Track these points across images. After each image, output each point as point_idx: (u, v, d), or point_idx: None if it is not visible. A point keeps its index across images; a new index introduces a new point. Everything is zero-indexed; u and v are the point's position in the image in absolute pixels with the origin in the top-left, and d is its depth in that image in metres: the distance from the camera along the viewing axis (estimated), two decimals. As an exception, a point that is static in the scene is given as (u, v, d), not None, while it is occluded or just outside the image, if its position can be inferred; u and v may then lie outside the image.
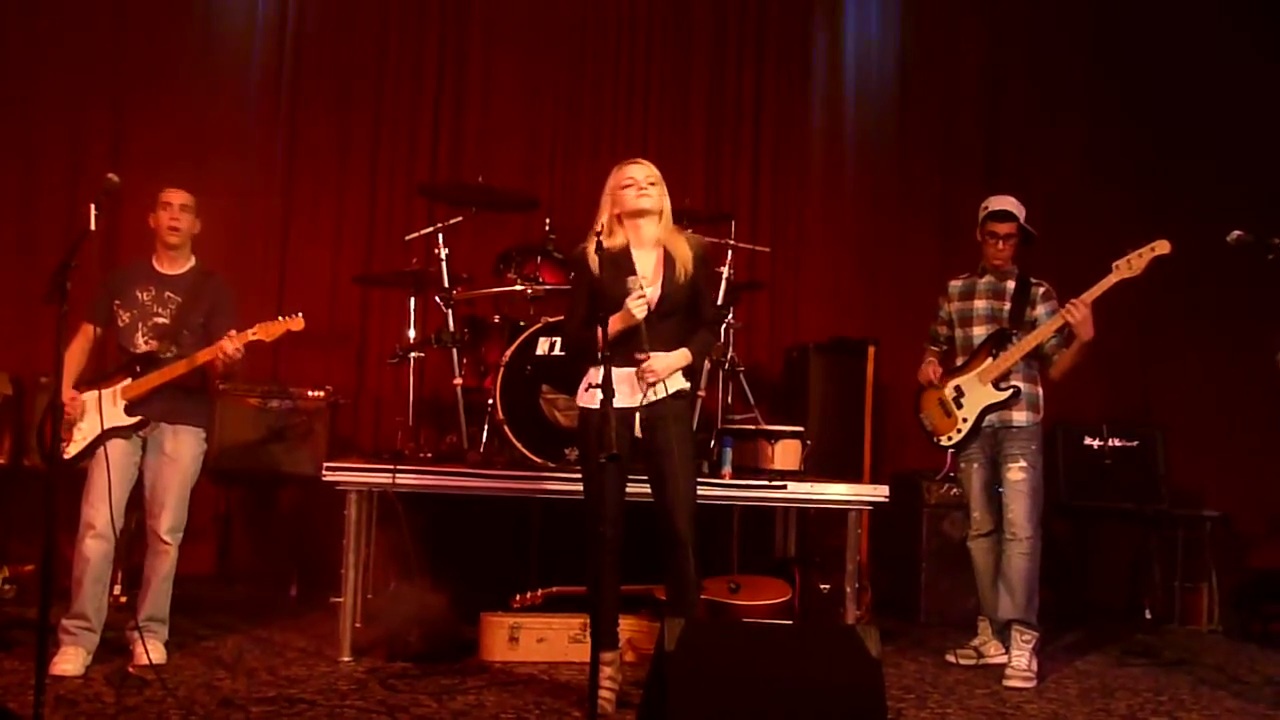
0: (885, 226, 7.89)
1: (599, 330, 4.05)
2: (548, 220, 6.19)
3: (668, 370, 4.25)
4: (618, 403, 4.05)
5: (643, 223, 4.36)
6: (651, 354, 4.19)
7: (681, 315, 4.35)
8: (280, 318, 4.82)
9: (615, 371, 4.01)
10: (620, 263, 4.31)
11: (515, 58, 7.59)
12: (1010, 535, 5.21)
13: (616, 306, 4.20)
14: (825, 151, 7.93)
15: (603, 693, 4.28)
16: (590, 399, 4.22)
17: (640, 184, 4.33)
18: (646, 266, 4.34)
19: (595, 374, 4.17)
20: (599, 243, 4.28)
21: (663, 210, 4.39)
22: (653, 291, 4.29)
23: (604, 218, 4.39)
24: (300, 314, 4.84)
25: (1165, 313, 7.63)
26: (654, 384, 4.22)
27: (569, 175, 7.58)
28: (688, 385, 4.40)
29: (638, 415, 4.28)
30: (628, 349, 4.20)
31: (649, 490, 4.37)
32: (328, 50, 7.47)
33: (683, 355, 4.31)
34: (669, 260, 4.34)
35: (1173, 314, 7.67)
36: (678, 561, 4.28)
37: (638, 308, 4.18)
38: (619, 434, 4.08)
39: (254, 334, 4.75)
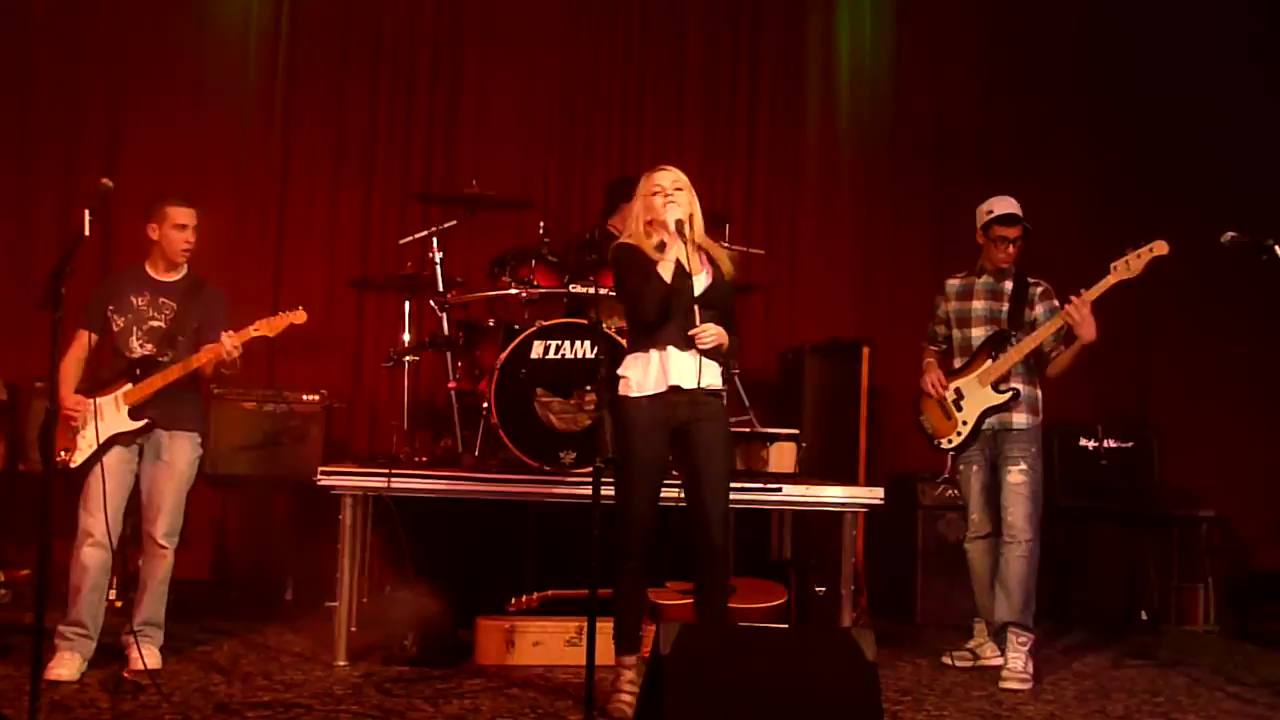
0: (880, 228, 7.89)
1: (659, 279, 4.19)
2: (542, 224, 6.17)
3: (719, 336, 4.24)
4: (669, 382, 4.22)
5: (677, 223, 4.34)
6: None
7: (718, 314, 4.33)
8: (282, 312, 4.83)
9: (667, 353, 4.22)
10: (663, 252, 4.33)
11: (509, 61, 7.58)
12: (1009, 538, 5.20)
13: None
14: (819, 153, 7.92)
15: (624, 696, 4.33)
16: (629, 387, 4.28)
17: (667, 190, 4.35)
18: (689, 263, 4.33)
19: (637, 360, 4.29)
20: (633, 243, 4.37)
21: (693, 214, 4.38)
22: (702, 279, 4.33)
23: (638, 226, 4.40)
24: (301, 307, 4.85)
25: (1161, 313, 7.64)
26: (709, 345, 4.21)
27: (563, 178, 7.58)
28: (723, 387, 4.42)
29: (683, 401, 4.27)
30: (679, 328, 4.24)
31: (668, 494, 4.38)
32: (322, 54, 7.46)
33: (723, 332, 4.29)
34: (711, 259, 4.42)
35: (1168, 314, 7.68)
36: (710, 571, 4.32)
37: (673, 216, 4.25)
38: (653, 433, 4.23)
39: (256, 330, 4.77)
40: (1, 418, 6.38)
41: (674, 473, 4.45)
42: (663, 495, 4.39)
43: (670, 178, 4.38)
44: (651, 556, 4.39)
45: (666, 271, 4.23)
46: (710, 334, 4.21)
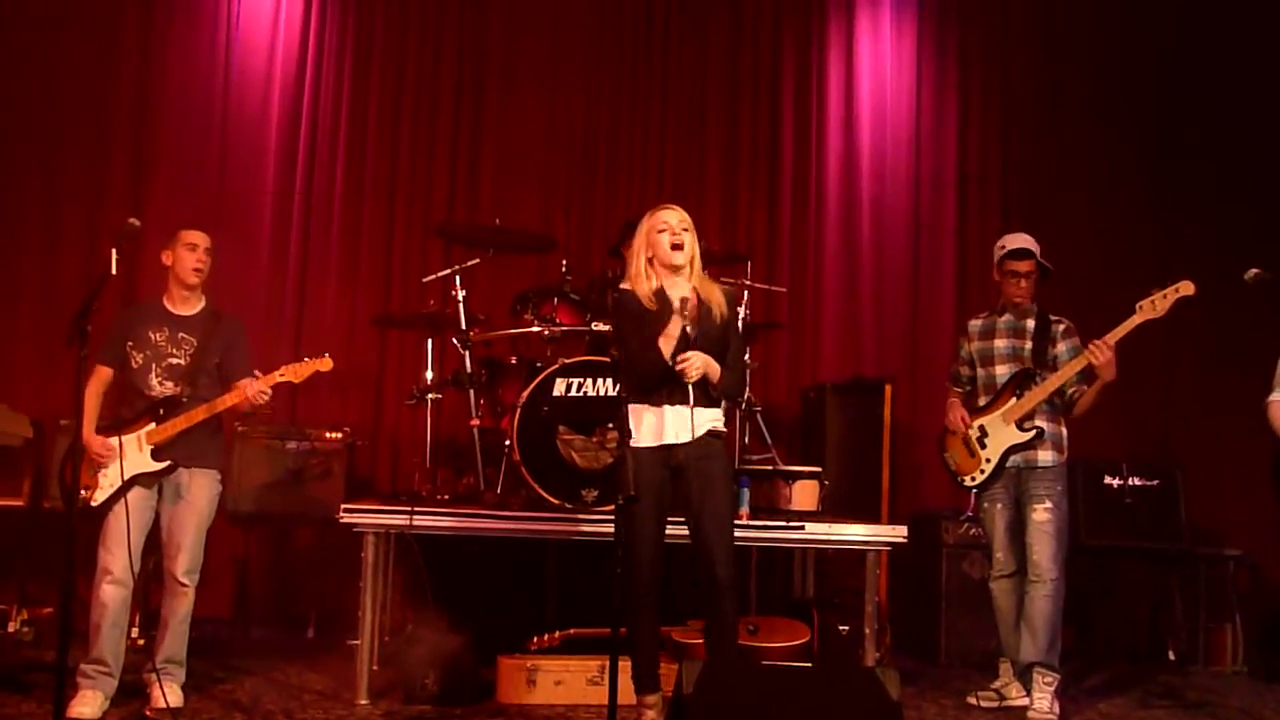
0: (902, 265, 7.88)
1: (659, 353, 4.20)
2: (564, 262, 6.21)
3: (705, 365, 4.23)
4: (664, 439, 4.24)
5: (677, 268, 4.38)
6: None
7: (714, 357, 4.34)
8: (307, 359, 4.84)
9: (662, 410, 4.23)
10: (660, 301, 4.35)
11: (531, 99, 7.64)
12: (1034, 577, 5.16)
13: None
14: (841, 190, 7.94)
15: None
16: (631, 435, 4.25)
17: (674, 230, 4.37)
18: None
19: (634, 412, 4.27)
20: (631, 290, 4.40)
21: (693, 256, 4.43)
22: (691, 329, 4.32)
23: (639, 262, 4.43)
24: (327, 354, 4.87)
25: (1185, 349, 7.60)
26: (695, 378, 4.21)
27: (585, 217, 7.61)
28: (723, 427, 4.42)
29: (680, 452, 4.29)
30: (674, 385, 4.26)
31: (679, 532, 4.37)
32: (345, 94, 7.53)
33: (714, 364, 4.30)
34: (703, 304, 4.40)
35: (1192, 351, 7.63)
36: (718, 606, 4.29)
37: (679, 293, 4.26)
38: (654, 472, 4.22)
39: (281, 375, 4.78)
40: (26, 455, 6.41)
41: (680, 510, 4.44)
42: (673, 534, 4.38)
43: (677, 217, 4.41)
44: (663, 593, 4.37)
45: (668, 347, 4.23)
46: (697, 364, 4.21)
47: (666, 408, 4.29)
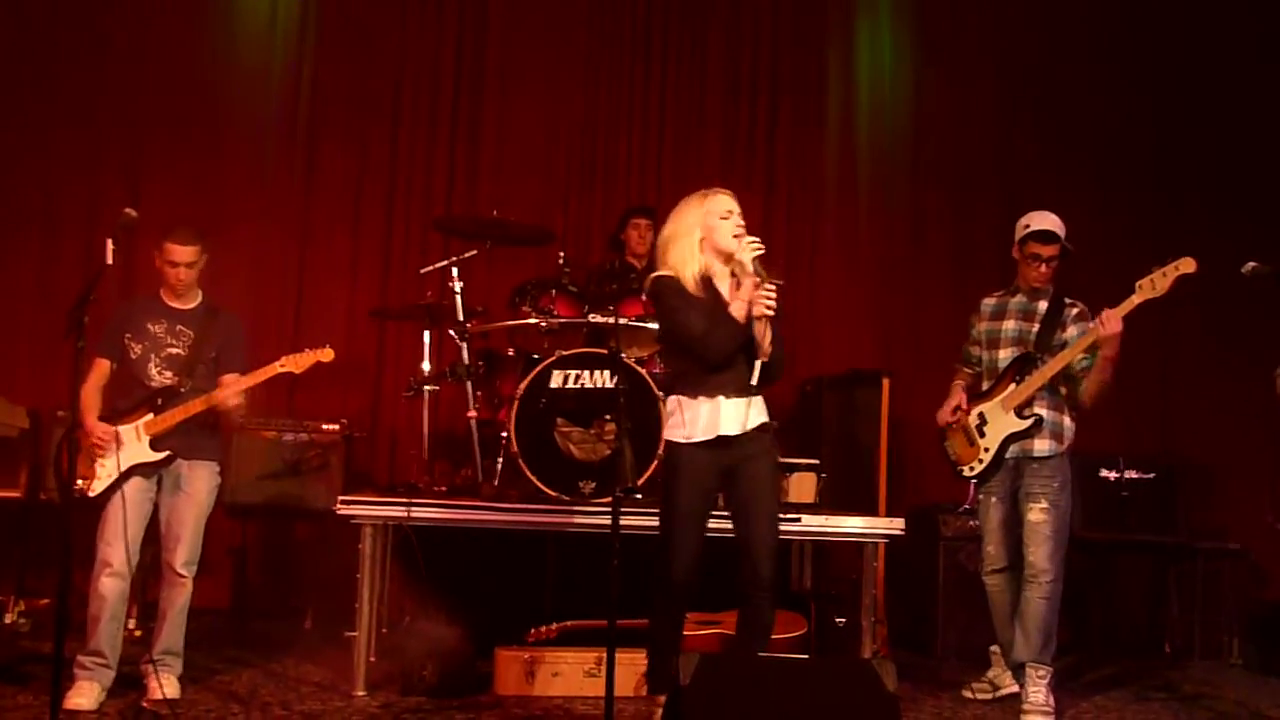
0: (899, 258, 7.88)
1: (734, 320, 4.05)
2: (562, 254, 6.21)
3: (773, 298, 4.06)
4: (720, 431, 4.11)
5: (730, 256, 4.22)
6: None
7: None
8: (308, 349, 4.85)
9: (716, 402, 4.11)
10: (705, 288, 4.22)
11: (530, 91, 7.64)
12: (1030, 576, 5.05)
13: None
14: (839, 183, 7.93)
15: None
16: (676, 433, 4.20)
17: (739, 218, 4.23)
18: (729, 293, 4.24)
19: (684, 405, 4.18)
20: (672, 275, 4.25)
21: None
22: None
23: (687, 244, 4.24)
24: (328, 345, 4.88)
25: (1183, 342, 7.60)
26: (770, 310, 4.03)
27: (583, 209, 7.61)
28: (770, 421, 4.28)
29: (731, 445, 4.18)
30: (733, 375, 4.16)
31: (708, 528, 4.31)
32: (344, 86, 7.51)
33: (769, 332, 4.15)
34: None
35: (1190, 343, 7.63)
36: (754, 605, 4.22)
37: (750, 254, 4.09)
38: (705, 475, 4.15)
39: (282, 366, 4.80)
40: (23, 446, 6.40)
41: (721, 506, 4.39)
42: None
43: (739, 206, 4.25)
44: (694, 598, 4.29)
45: (739, 312, 4.09)
46: (772, 293, 4.04)
47: (721, 399, 4.15)
